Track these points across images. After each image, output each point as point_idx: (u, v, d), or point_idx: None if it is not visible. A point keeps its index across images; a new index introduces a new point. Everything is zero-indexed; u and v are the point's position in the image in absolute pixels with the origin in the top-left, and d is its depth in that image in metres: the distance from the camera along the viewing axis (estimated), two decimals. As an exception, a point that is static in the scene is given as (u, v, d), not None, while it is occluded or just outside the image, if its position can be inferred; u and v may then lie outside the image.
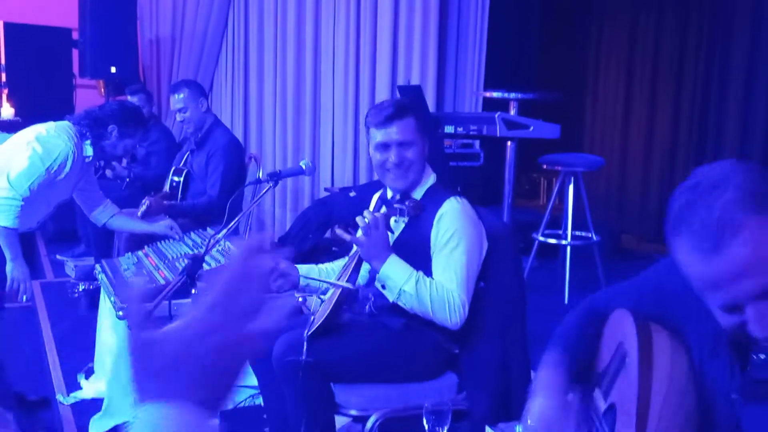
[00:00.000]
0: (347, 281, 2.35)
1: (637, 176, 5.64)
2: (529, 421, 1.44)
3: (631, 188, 5.69)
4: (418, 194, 2.43)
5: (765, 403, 1.17)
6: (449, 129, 4.62)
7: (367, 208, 2.56)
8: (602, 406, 1.35)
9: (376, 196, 2.66)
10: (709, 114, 5.15)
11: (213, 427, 0.68)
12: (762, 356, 1.18)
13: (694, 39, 5.24)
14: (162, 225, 3.34)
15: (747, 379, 1.19)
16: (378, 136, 2.40)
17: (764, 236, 1.06)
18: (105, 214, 3.28)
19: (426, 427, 1.91)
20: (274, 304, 0.73)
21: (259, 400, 3.13)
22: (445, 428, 1.90)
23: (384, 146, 2.39)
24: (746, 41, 4.87)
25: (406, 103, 2.49)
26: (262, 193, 2.25)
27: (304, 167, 2.37)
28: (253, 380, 2.84)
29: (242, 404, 3.18)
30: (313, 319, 2.37)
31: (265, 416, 2.92)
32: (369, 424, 2.21)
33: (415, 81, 5.28)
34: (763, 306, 1.08)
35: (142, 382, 0.70)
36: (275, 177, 2.25)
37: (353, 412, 2.29)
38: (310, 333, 2.27)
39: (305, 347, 2.22)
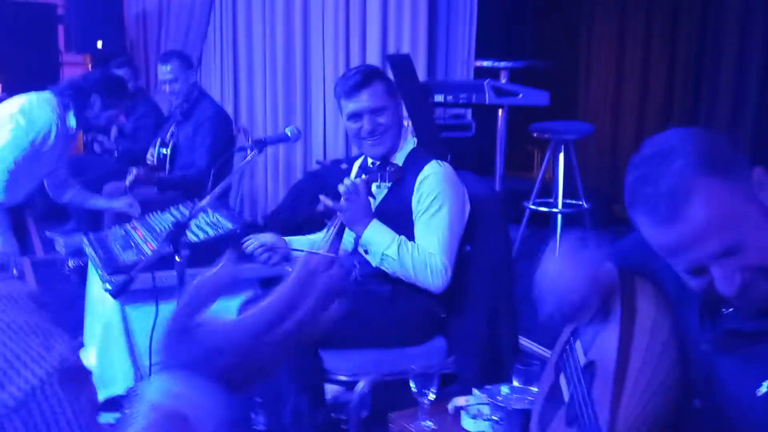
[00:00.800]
0: (330, 249, 2.35)
1: (629, 144, 5.63)
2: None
3: (622, 156, 5.67)
4: (399, 159, 2.43)
5: (734, 352, 1.17)
6: (439, 97, 4.60)
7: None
8: (582, 360, 1.35)
9: (357, 164, 2.65)
10: (702, 80, 5.13)
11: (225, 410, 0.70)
12: (731, 309, 1.18)
13: (687, 5, 5.20)
14: (122, 201, 3.32)
15: (718, 331, 1.20)
16: (349, 106, 2.39)
17: (717, 196, 1.06)
18: (68, 192, 3.26)
19: (413, 390, 1.92)
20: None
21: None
22: (432, 391, 1.91)
23: (356, 115, 2.38)
24: (739, 5, 4.83)
25: (373, 68, 2.48)
26: (246, 160, 2.22)
27: (289, 134, 2.35)
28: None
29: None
30: None
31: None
32: (358, 389, 2.22)
33: (405, 50, 5.24)
34: (726, 264, 1.08)
35: (174, 354, 0.72)
36: (260, 144, 2.23)
37: (342, 378, 2.29)
38: None
39: None
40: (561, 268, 1.35)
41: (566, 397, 1.34)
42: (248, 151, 2.25)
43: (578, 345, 1.39)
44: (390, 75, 4.50)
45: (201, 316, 0.73)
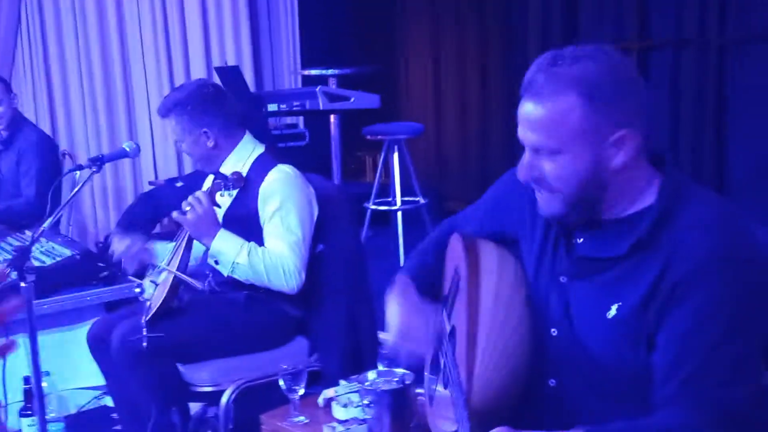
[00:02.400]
0: (180, 261, 2.33)
1: (454, 140, 5.92)
2: (389, 332, 1.51)
3: (449, 152, 5.97)
4: (244, 168, 2.43)
5: (587, 278, 1.30)
6: (272, 107, 4.62)
7: None
8: (447, 329, 1.45)
9: (209, 178, 2.63)
10: (514, 77, 5.49)
11: None
12: (581, 240, 1.32)
13: (492, 6, 5.55)
14: None
15: (572, 259, 1.33)
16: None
17: (570, 113, 1.21)
18: None
19: (283, 387, 1.95)
20: None
21: (105, 401, 3.02)
22: (302, 386, 1.95)
23: None
24: (540, 4, 5.24)
25: (171, 101, 2.45)
26: (85, 180, 2.14)
27: (128, 149, 2.31)
28: (96, 381, 2.74)
29: (86, 407, 3.05)
30: (150, 304, 2.33)
31: (114, 415, 2.82)
32: (224, 398, 2.21)
33: (231, 62, 5.21)
34: (535, 156, 1.27)
35: None
36: (98, 161, 2.16)
37: (207, 388, 2.27)
38: (148, 318, 2.24)
39: (145, 332, 2.20)
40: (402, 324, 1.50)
41: (441, 363, 1.43)
42: (86, 170, 2.16)
43: (444, 315, 1.50)
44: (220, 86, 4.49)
45: None
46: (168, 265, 2.37)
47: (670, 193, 1.25)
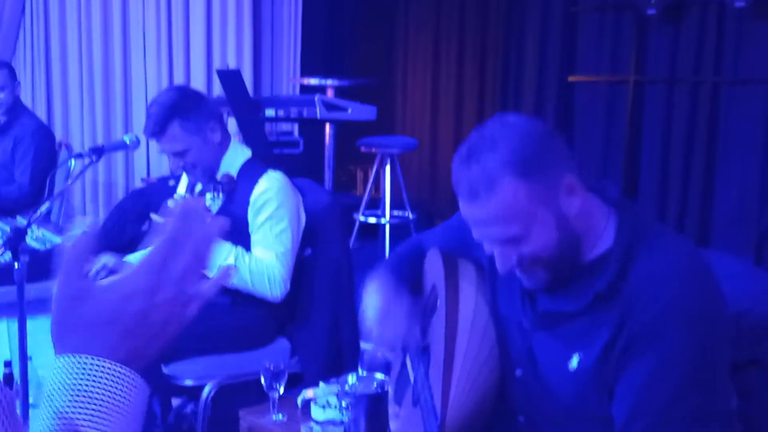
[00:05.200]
0: None
1: (447, 157, 5.98)
2: (365, 315, 1.51)
3: (441, 169, 6.02)
4: (232, 170, 2.42)
5: (548, 329, 1.31)
6: (270, 112, 4.66)
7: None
8: (421, 345, 1.47)
9: (185, 177, 2.59)
10: (508, 98, 5.57)
11: (137, 387, 0.68)
12: (542, 295, 1.33)
13: (495, 20, 5.62)
14: None
15: (536, 311, 1.34)
16: (156, 145, 2.40)
17: (513, 194, 1.20)
18: None
19: (264, 385, 1.97)
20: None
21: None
22: (282, 385, 1.97)
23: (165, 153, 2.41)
24: (538, 32, 5.32)
25: (165, 108, 2.31)
26: (83, 169, 2.17)
27: (128, 141, 2.31)
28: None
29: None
30: None
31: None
32: (204, 393, 2.23)
33: (231, 65, 5.26)
34: (505, 248, 1.25)
35: (63, 333, 0.68)
36: (98, 152, 2.18)
37: (188, 382, 2.29)
38: None
39: None
40: (380, 311, 1.49)
41: (411, 379, 1.45)
42: (84, 159, 2.19)
43: (417, 328, 1.51)
44: (221, 90, 4.53)
45: (85, 280, 0.70)
46: None
47: (628, 232, 1.25)
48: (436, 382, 1.32)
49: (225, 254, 2.31)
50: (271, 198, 2.35)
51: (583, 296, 1.25)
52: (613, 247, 1.25)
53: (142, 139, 2.46)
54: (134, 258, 2.52)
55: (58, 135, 5.22)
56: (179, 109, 2.30)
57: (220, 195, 2.38)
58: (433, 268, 1.51)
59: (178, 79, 5.41)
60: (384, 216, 4.89)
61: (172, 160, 2.36)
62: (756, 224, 4.09)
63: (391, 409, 1.56)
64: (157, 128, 2.30)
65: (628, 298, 1.20)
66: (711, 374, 1.18)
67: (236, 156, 2.45)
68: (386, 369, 1.82)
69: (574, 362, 1.25)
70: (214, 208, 2.42)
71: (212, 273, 2.30)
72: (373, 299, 1.51)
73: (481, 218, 1.24)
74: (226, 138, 2.43)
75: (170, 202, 2.34)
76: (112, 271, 2.36)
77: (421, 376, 1.38)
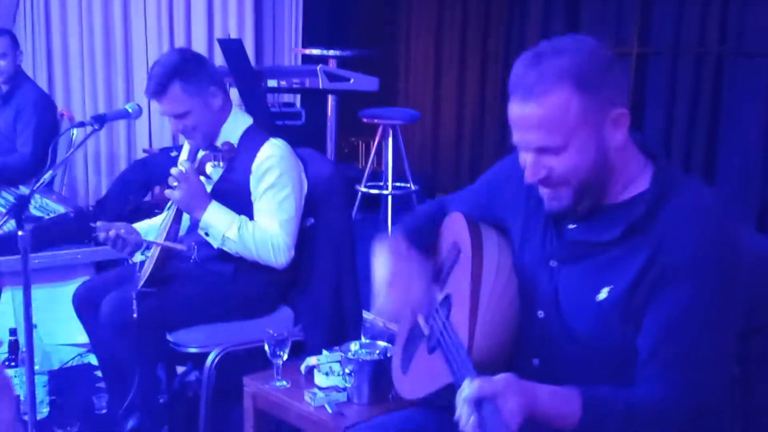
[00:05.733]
0: (168, 234, 2.33)
1: (449, 129, 5.96)
2: (375, 278, 1.52)
3: (444, 141, 6.01)
4: (233, 138, 2.41)
5: (577, 263, 1.34)
6: (272, 83, 4.64)
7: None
8: (439, 297, 1.49)
9: (186, 145, 2.57)
10: (512, 66, 5.52)
11: None
12: (573, 225, 1.37)
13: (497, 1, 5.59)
14: None
15: (563, 244, 1.37)
16: (158, 107, 2.36)
17: (565, 105, 1.23)
18: None
19: (267, 352, 1.99)
20: None
21: (88, 358, 3.05)
22: (286, 352, 1.99)
23: (166, 115, 2.37)
24: (541, 2, 5.28)
25: (168, 69, 2.29)
26: (85, 137, 2.17)
27: (130, 110, 2.30)
28: (81, 338, 2.77)
29: (70, 363, 3.09)
30: (139, 276, 2.35)
31: (98, 373, 2.86)
32: (209, 361, 2.25)
33: (233, 35, 5.22)
34: (539, 157, 1.28)
35: None
36: (100, 120, 2.17)
37: (193, 350, 2.31)
38: (138, 290, 2.23)
39: (135, 305, 2.19)
40: (391, 275, 1.50)
41: (426, 332, 1.48)
42: (87, 128, 2.18)
43: (433, 286, 1.54)
44: (222, 59, 4.50)
45: None
46: (156, 239, 2.37)
47: (663, 180, 1.28)
48: (460, 322, 1.34)
49: (228, 223, 2.32)
50: (273, 165, 2.35)
51: (615, 228, 1.28)
52: (648, 191, 1.28)
53: (144, 107, 2.45)
54: (142, 227, 2.54)
55: (60, 105, 5.20)
56: (181, 70, 2.29)
57: (221, 163, 2.37)
58: (455, 227, 1.54)
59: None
60: (386, 188, 4.89)
61: (173, 122, 2.35)
62: (759, 194, 4.10)
63: (396, 375, 1.58)
64: (159, 88, 2.29)
65: (662, 233, 1.24)
66: (732, 316, 1.23)
67: (237, 124, 2.44)
68: (389, 338, 1.84)
69: (603, 294, 1.27)
70: (215, 177, 2.43)
71: (216, 243, 2.30)
72: (384, 263, 1.52)
73: (528, 120, 1.25)
74: (227, 105, 2.42)
75: (173, 171, 2.34)
76: (124, 240, 2.37)
77: (442, 323, 1.40)
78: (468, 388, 1.13)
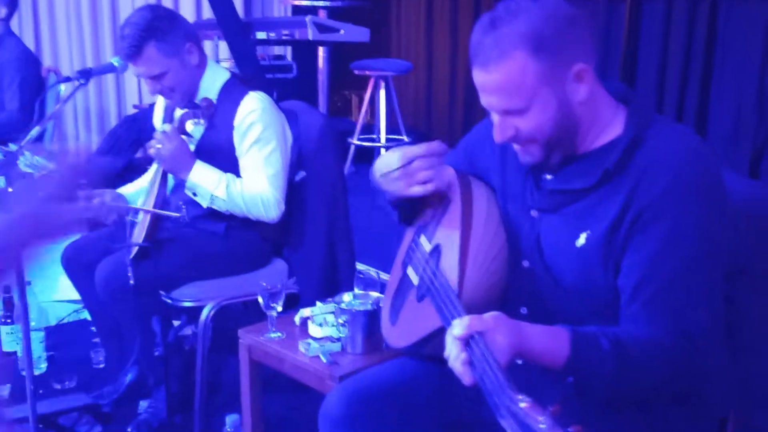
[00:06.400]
0: (157, 195, 2.31)
1: (443, 82, 5.91)
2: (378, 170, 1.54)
3: (437, 93, 5.96)
4: (212, 93, 2.36)
5: (557, 211, 1.36)
6: (261, 35, 4.58)
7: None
8: (428, 248, 1.50)
9: (159, 104, 2.56)
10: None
11: None
12: (550, 176, 1.38)
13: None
14: None
15: (543, 194, 1.38)
16: (133, 69, 2.28)
17: (523, 68, 1.24)
18: None
19: (261, 304, 2.00)
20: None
21: (84, 314, 3.07)
22: (280, 303, 2.00)
23: (142, 77, 2.31)
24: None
25: (141, 28, 2.21)
26: (72, 92, 2.14)
27: (116, 64, 2.27)
28: (76, 295, 2.78)
29: (66, 320, 3.11)
30: (131, 242, 2.33)
31: (93, 329, 2.88)
32: (204, 315, 2.26)
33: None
34: (505, 119, 1.31)
35: None
36: (86, 74, 2.15)
37: (187, 304, 2.32)
38: (132, 257, 2.23)
39: (130, 271, 2.19)
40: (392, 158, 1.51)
41: (416, 282, 1.49)
42: (74, 82, 2.16)
43: (422, 238, 1.55)
44: (210, 12, 4.43)
45: None
46: (144, 204, 2.36)
47: (636, 123, 1.29)
48: (450, 268, 1.36)
49: (215, 182, 2.30)
50: (255, 120, 2.31)
51: (592, 175, 1.30)
52: (622, 135, 1.29)
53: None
54: (128, 191, 2.52)
55: (47, 61, 5.15)
56: (155, 30, 2.22)
57: (202, 120, 2.33)
58: (445, 177, 1.53)
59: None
60: (379, 140, 4.86)
61: (150, 84, 2.28)
62: (751, 141, 4.09)
63: (386, 327, 1.60)
64: (133, 51, 2.22)
65: (636, 175, 1.25)
66: (715, 250, 1.24)
67: (215, 78, 2.39)
68: (382, 288, 1.85)
69: (581, 239, 1.29)
70: (197, 135, 2.39)
71: (204, 203, 2.29)
72: (385, 156, 1.54)
73: (489, 86, 1.28)
74: (203, 60, 2.38)
75: (153, 142, 2.30)
76: (110, 208, 2.35)
77: (432, 271, 1.42)
78: (458, 326, 1.13)
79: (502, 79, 1.25)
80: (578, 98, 1.28)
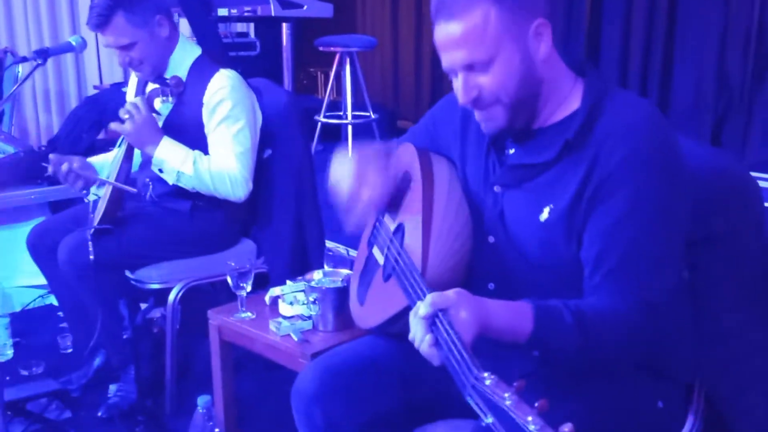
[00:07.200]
0: (120, 171, 2.28)
1: (409, 58, 5.89)
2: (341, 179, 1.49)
3: (403, 70, 5.94)
4: (182, 70, 2.35)
5: (519, 186, 1.36)
6: (222, 12, 4.51)
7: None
8: (392, 227, 1.50)
9: (133, 80, 2.52)
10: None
11: None
12: (512, 150, 1.38)
13: None
14: None
15: (505, 169, 1.39)
16: (102, 39, 2.27)
17: (487, 19, 1.24)
18: None
19: (231, 284, 1.99)
20: None
21: (49, 299, 3.03)
22: (249, 283, 1.99)
23: (111, 47, 2.28)
24: None
25: (109, 0, 2.20)
26: (29, 73, 2.09)
27: (74, 43, 2.22)
28: (40, 280, 2.74)
29: (31, 305, 3.06)
30: (93, 217, 2.31)
31: (60, 313, 2.84)
32: (171, 297, 2.24)
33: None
34: (468, 76, 1.29)
35: None
36: (43, 54, 2.10)
37: (155, 286, 2.30)
38: (92, 231, 2.20)
39: (90, 246, 2.16)
40: (352, 168, 1.47)
41: (381, 261, 1.48)
42: (31, 62, 2.10)
43: (386, 217, 1.54)
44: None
45: None
46: (108, 177, 2.33)
47: (594, 95, 1.30)
48: (414, 247, 1.36)
49: (182, 158, 2.27)
50: (225, 98, 2.29)
51: (552, 148, 1.30)
52: (580, 108, 1.30)
53: (91, 42, 2.35)
54: (98, 160, 2.48)
55: (3, 42, 5.01)
56: (123, 0, 2.21)
57: (170, 98, 2.31)
58: (406, 158, 1.53)
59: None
60: (345, 117, 4.84)
61: (119, 54, 2.27)
62: (713, 110, 4.15)
63: (354, 308, 1.60)
64: (101, 20, 2.20)
65: (597, 147, 1.25)
66: (674, 218, 1.25)
67: (185, 54, 2.37)
68: (351, 266, 1.85)
69: (545, 214, 1.30)
70: (165, 112, 2.37)
71: (171, 179, 2.27)
72: (351, 163, 1.49)
73: (452, 39, 1.27)
74: (174, 34, 2.35)
75: (122, 112, 2.27)
76: (77, 175, 2.32)
77: (396, 250, 1.41)
78: (422, 306, 1.13)
79: (465, 28, 1.25)
80: (540, 56, 1.28)
